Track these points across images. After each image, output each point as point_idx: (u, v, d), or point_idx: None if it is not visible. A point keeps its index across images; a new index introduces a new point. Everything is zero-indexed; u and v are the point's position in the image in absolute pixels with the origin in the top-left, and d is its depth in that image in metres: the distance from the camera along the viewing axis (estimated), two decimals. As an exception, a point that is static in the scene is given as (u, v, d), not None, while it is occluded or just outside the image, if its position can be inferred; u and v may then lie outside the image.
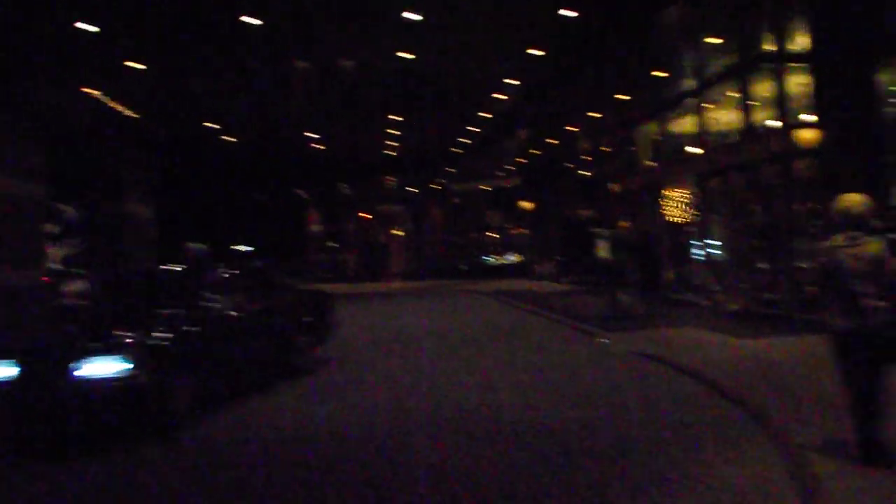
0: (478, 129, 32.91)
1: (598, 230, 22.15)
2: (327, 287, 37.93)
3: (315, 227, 47.99)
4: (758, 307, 16.23)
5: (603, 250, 20.52)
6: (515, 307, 21.83)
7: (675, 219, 21.13)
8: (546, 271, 32.41)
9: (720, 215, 19.00)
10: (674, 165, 21.02)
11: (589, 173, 35.80)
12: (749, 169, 17.06)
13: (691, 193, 20.25)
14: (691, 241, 20.56)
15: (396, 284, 40.17)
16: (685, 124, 22.11)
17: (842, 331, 5.48)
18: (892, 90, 14.69)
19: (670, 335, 13.75)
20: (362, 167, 40.57)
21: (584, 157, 33.54)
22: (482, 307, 22.88)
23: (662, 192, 21.95)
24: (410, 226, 47.14)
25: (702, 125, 20.17)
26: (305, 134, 36.96)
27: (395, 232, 49.03)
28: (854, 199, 5.55)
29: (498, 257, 47.31)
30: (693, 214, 20.20)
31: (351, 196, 46.70)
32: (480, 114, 31.08)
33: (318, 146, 38.68)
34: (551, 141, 30.81)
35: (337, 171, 42.39)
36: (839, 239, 5.50)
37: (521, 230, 41.68)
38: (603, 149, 29.87)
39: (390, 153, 38.57)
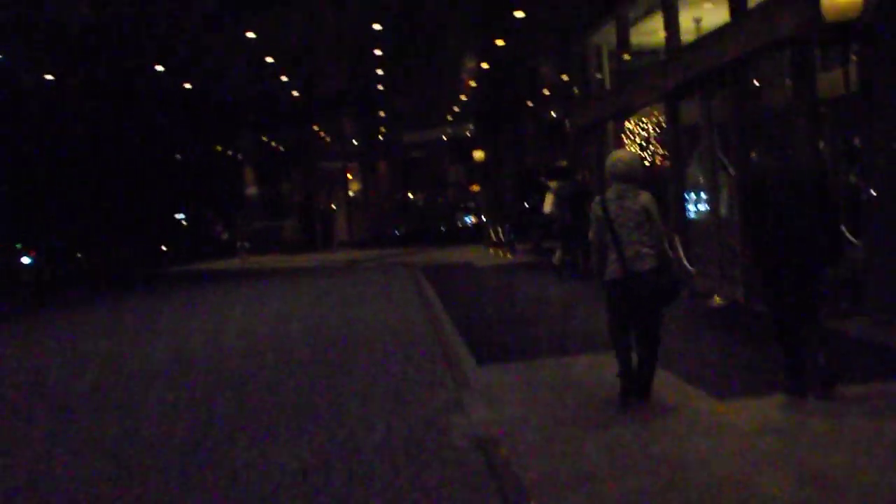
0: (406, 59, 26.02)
1: (551, 182, 15.86)
2: (253, 260, 31.79)
3: (251, 191, 41.40)
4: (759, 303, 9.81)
5: (549, 205, 14.50)
6: (423, 299, 15.34)
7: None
8: (500, 237, 25.88)
9: (699, 156, 12.46)
10: (634, 84, 14.32)
11: (553, 113, 29.21)
12: (739, 70, 10.42)
13: (658, 123, 13.65)
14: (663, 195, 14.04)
15: (334, 255, 33.88)
16: (652, 26, 15.46)
17: (613, 277, 5.75)
18: None
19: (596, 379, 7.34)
20: (291, 113, 33.76)
21: (544, 91, 26.83)
22: (383, 296, 16.43)
23: (625, 125, 15.29)
24: (361, 185, 40.48)
25: (672, 24, 13.45)
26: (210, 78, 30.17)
27: (350, 193, 42.44)
28: (622, 155, 5.93)
29: (474, 219, 40.74)
30: (663, 155, 13.62)
31: (286, 153, 39.93)
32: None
33: (230, 93, 31.95)
34: (487, 66, 23.89)
35: (262, 123, 35.63)
36: (610, 192, 5.78)
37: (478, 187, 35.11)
38: (563, 76, 23.12)
39: (321, 96, 31.71)
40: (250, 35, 24.09)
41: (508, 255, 23.75)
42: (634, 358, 5.85)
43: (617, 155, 5.90)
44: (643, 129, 13.76)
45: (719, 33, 10.69)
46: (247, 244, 36.43)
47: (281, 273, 26.14)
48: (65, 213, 45.45)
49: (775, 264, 5.61)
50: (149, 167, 38.45)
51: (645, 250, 5.63)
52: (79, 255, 59.26)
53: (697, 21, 15.72)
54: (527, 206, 25.15)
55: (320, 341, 10.67)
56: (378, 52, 24.73)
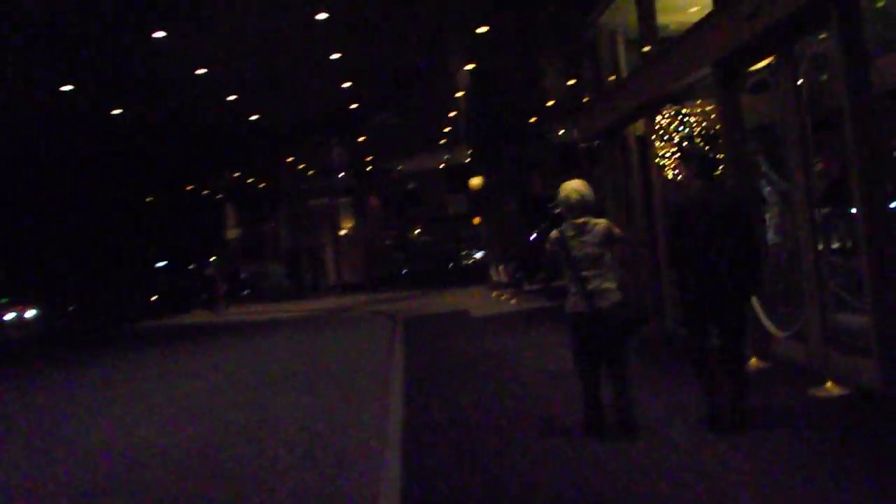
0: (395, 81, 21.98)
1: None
2: (232, 311, 27.91)
3: (233, 234, 37.56)
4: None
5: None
6: (380, 380, 11.15)
7: (675, 173, 10.25)
8: (503, 277, 21.75)
9: (769, 161, 8.30)
10: (668, 60, 10.15)
11: (560, 130, 25.14)
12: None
13: (700, 114, 9.48)
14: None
15: (320, 303, 29.86)
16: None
17: (575, 312, 5.60)
18: None
19: None
20: (269, 146, 29.96)
21: (548, 103, 22.79)
22: (332, 374, 12.35)
23: (653, 123, 11.07)
24: (352, 223, 36.50)
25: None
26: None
27: (341, 232, 38.52)
28: (573, 187, 5.63)
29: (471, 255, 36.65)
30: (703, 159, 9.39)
31: (269, 191, 36.12)
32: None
33: (203, 126, 28.24)
34: (475, 65, 19.87)
35: (239, 158, 31.85)
36: (567, 229, 5.62)
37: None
38: (569, 82, 19.08)
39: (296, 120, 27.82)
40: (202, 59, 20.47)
41: (512, 301, 19.58)
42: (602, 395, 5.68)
43: (569, 186, 5.67)
44: (685, 124, 9.62)
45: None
46: (224, 293, 32.54)
47: (242, 330, 22.10)
48: (52, 265, 42.52)
49: (698, 295, 5.52)
50: (120, 212, 34.86)
51: (606, 285, 5.52)
52: (71, 309, 55.89)
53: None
54: (534, 238, 21.02)
55: (184, 470, 6.49)
56: (352, 66, 20.94)
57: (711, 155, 5.33)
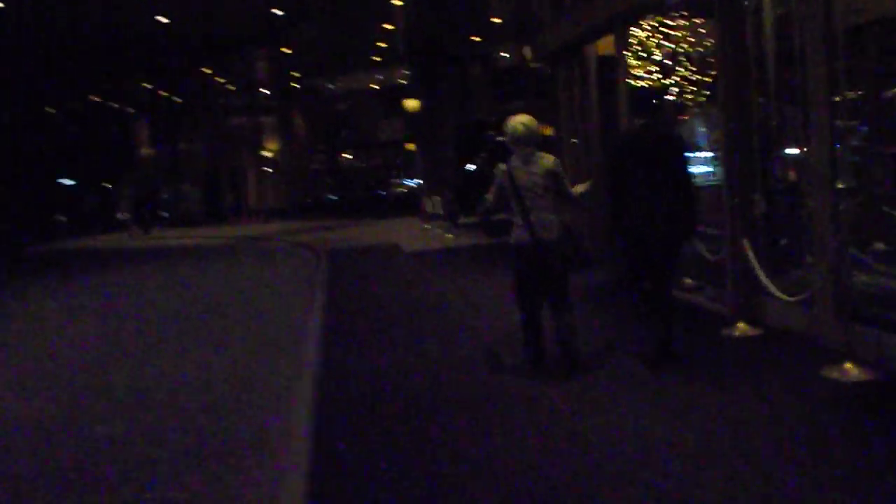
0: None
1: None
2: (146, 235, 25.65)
3: (146, 151, 34.70)
4: None
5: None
6: (294, 330, 9.52)
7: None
8: (437, 209, 20.18)
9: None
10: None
11: (505, 53, 23.30)
12: None
13: (692, 29, 7.90)
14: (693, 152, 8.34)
15: (240, 228, 27.83)
16: None
17: (520, 243, 5.60)
18: None
19: None
20: (185, 53, 27.20)
21: (493, 20, 20.88)
22: (233, 328, 10.65)
23: (626, 37, 9.42)
24: (277, 145, 34.12)
25: None
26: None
27: (265, 154, 36.09)
28: (521, 120, 5.61)
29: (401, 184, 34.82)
30: (695, 82, 7.85)
31: (185, 105, 33.29)
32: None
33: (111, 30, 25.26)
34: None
35: (153, 67, 28.93)
36: (515, 159, 5.65)
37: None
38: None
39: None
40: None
41: (448, 235, 18.09)
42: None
43: (516, 119, 5.63)
44: (668, 38, 7.98)
45: None
46: (129, 216, 30.05)
47: (148, 260, 20.01)
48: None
49: (633, 238, 5.53)
50: (19, 123, 31.59)
51: (551, 217, 5.55)
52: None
53: None
54: (472, 169, 19.45)
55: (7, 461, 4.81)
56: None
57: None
